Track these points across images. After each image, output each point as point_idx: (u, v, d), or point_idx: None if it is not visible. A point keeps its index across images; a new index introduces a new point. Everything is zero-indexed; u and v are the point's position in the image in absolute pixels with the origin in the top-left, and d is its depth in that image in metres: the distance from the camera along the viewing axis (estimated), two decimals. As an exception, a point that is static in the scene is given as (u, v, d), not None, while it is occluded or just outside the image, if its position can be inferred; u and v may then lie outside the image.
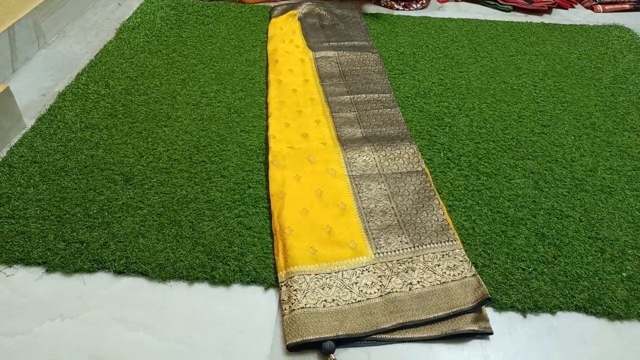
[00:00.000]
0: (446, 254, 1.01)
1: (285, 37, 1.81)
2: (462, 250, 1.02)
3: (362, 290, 0.94)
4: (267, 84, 1.56)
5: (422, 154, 1.28)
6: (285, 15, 1.96)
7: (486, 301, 0.92)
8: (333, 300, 0.92)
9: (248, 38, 1.82)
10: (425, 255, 1.01)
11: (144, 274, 0.97)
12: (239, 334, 0.89)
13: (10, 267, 0.98)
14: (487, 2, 2.18)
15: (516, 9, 2.14)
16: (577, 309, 0.95)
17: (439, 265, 0.99)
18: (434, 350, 0.88)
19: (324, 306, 0.91)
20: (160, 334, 0.88)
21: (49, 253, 1.00)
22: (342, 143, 1.30)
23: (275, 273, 0.98)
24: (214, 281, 0.97)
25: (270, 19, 1.96)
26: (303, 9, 2.00)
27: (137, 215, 1.08)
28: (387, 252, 1.01)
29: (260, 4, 2.09)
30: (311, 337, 0.85)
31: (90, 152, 1.25)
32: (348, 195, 1.14)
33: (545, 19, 2.09)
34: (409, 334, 0.89)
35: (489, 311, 0.93)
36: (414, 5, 2.12)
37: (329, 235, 1.04)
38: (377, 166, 1.23)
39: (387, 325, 0.89)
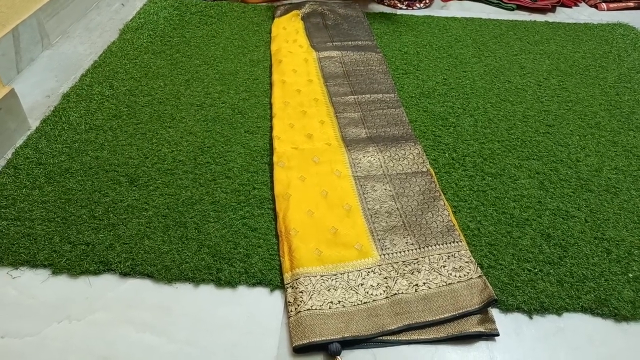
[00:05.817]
0: (452, 255, 1.01)
1: (289, 37, 1.81)
2: (468, 251, 1.02)
3: (367, 292, 0.94)
4: (271, 84, 1.56)
5: (426, 155, 1.28)
6: (288, 14, 1.96)
7: (492, 302, 0.92)
8: (339, 301, 0.92)
9: (251, 38, 1.82)
10: (430, 257, 1.01)
11: (149, 275, 0.98)
12: (245, 335, 0.89)
13: (17, 269, 0.99)
14: (490, 1, 2.17)
15: (520, 7, 2.14)
16: (584, 310, 0.95)
17: (444, 267, 0.99)
18: (440, 351, 0.88)
19: (329, 308, 0.91)
20: (168, 335, 0.89)
21: (54, 255, 1.00)
22: (347, 144, 1.30)
23: (281, 274, 0.98)
24: (219, 283, 0.97)
25: (273, 18, 1.96)
26: (306, 8, 2.00)
27: (142, 217, 1.09)
28: (392, 254, 1.01)
29: (264, 4, 2.09)
30: (317, 339, 0.85)
31: (95, 154, 1.25)
32: (353, 196, 1.14)
33: (549, 17, 2.08)
34: (415, 335, 0.89)
35: (495, 312, 0.93)
36: (418, 5, 2.12)
37: (334, 237, 1.04)
38: (381, 167, 1.23)
39: (393, 327, 0.89)
